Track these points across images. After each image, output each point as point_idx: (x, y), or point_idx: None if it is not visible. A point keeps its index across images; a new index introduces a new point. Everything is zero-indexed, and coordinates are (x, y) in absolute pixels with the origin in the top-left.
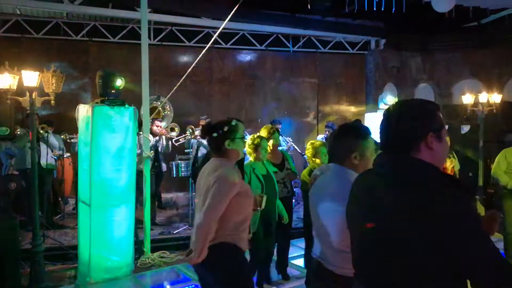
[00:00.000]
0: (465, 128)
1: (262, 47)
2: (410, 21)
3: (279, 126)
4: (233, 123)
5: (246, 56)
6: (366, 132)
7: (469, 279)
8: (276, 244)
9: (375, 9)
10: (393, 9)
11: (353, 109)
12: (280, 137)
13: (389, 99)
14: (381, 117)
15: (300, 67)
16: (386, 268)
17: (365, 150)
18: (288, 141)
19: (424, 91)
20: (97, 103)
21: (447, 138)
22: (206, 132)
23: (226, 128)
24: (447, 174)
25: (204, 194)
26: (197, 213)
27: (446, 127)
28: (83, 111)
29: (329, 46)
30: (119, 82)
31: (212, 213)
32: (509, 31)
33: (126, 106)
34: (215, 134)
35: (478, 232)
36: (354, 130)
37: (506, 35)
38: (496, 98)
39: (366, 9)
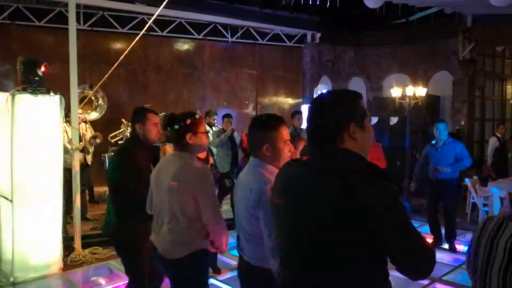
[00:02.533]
0: (394, 120)
1: (200, 37)
2: (344, 16)
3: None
4: (197, 116)
5: (184, 45)
6: (275, 123)
7: (395, 263)
8: None
9: (310, 3)
10: (328, 4)
11: (290, 101)
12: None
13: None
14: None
15: (239, 58)
16: (318, 255)
17: (276, 141)
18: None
19: (356, 84)
20: (18, 90)
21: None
22: (168, 123)
23: (188, 121)
24: (372, 163)
25: (170, 188)
26: (149, 203)
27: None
28: (2, 100)
29: (267, 38)
30: (43, 69)
31: (215, 207)
32: (434, 29)
33: (51, 94)
34: (176, 126)
35: (403, 221)
36: (263, 123)
37: (430, 32)
38: (421, 91)
39: (302, 3)
